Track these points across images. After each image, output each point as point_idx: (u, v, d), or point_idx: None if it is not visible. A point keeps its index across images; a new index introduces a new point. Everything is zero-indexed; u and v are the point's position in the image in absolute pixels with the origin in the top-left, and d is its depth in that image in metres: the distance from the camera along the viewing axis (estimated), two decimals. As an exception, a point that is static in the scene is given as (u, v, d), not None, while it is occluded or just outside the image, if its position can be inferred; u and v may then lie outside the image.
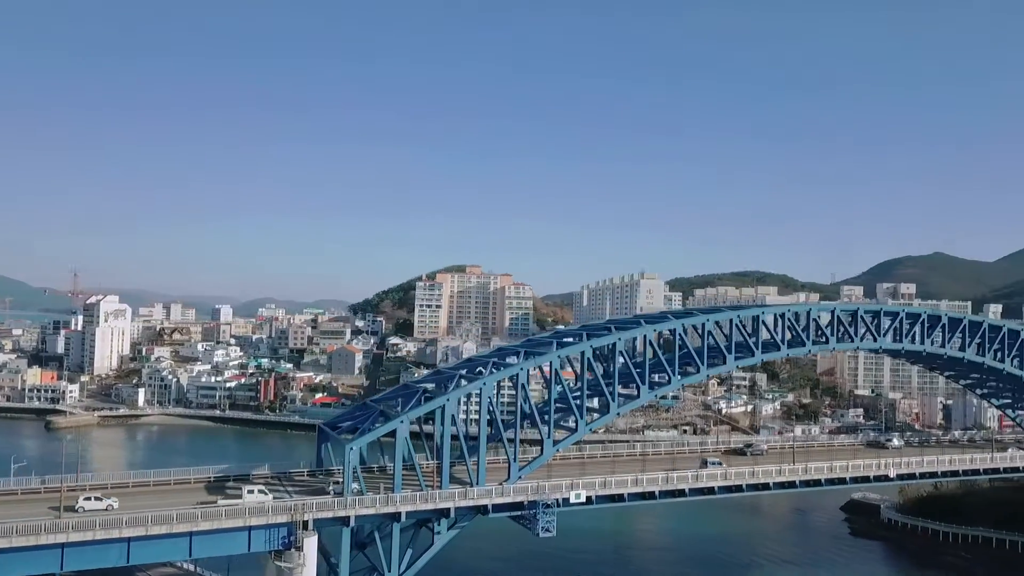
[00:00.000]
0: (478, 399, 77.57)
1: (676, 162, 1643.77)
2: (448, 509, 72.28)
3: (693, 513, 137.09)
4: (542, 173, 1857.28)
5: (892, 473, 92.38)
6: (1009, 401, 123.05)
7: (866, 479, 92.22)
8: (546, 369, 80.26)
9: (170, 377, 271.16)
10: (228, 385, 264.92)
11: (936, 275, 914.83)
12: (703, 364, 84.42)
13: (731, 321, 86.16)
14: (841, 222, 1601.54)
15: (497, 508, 74.18)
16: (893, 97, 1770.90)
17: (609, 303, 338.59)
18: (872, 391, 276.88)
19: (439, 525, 73.08)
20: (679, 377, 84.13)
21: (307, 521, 67.24)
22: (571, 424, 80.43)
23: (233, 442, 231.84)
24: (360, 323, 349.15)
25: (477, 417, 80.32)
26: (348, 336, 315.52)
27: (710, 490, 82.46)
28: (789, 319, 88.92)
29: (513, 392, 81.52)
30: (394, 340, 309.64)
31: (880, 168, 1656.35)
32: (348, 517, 68.63)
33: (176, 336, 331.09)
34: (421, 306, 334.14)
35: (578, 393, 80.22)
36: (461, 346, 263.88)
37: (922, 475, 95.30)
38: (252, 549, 66.89)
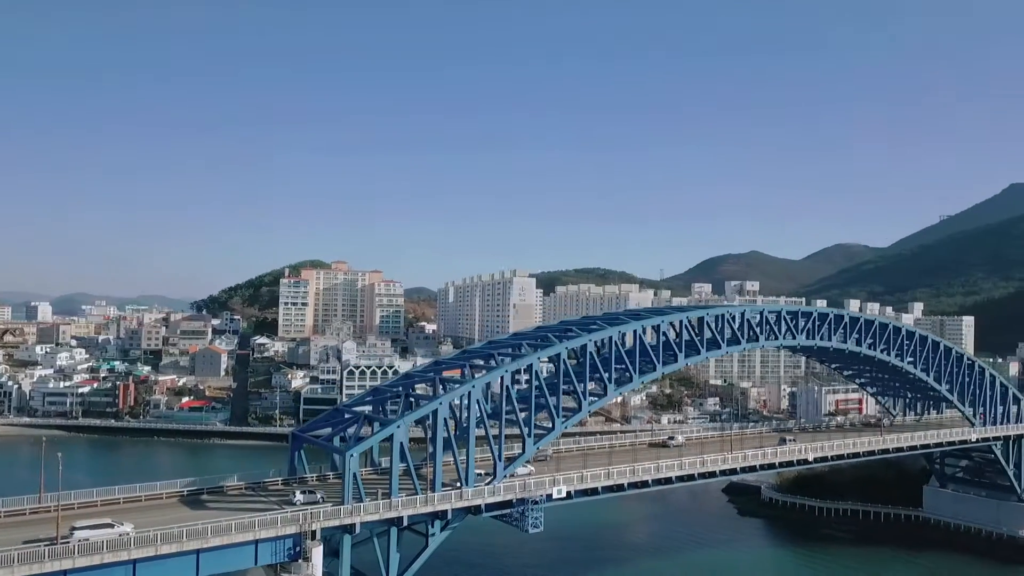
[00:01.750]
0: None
1: (515, 160, 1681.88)
2: (446, 511, 73.67)
3: (600, 503, 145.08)
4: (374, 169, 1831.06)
5: (809, 456, 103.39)
6: (879, 389, 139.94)
7: (805, 461, 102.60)
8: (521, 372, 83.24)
9: (9, 383, 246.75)
10: (80, 391, 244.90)
11: (754, 271, 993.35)
12: (659, 362, 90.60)
13: (680, 322, 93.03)
14: (668, 221, 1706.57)
15: (489, 507, 76.44)
16: (711, 108, 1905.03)
17: (479, 301, 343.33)
18: (724, 381, 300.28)
19: (433, 527, 74.24)
20: (638, 375, 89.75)
21: (315, 531, 66.49)
22: (547, 424, 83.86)
23: (88, 453, 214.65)
24: (215, 322, 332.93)
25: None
26: (210, 336, 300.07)
27: (668, 480, 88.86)
28: (728, 319, 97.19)
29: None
30: (261, 340, 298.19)
31: (698, 170, 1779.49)
32: (354, 524, 68.44)
33: (9, 338, 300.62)
34: (286, 303, 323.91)
35: (554, 392, 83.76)
36: (340, 345, 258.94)
37: (836, 457, 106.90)
38: (259, 563, 65.24)
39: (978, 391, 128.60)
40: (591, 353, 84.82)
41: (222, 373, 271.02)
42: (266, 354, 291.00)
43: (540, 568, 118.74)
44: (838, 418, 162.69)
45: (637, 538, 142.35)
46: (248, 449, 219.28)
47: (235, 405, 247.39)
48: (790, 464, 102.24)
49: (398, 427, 72.78)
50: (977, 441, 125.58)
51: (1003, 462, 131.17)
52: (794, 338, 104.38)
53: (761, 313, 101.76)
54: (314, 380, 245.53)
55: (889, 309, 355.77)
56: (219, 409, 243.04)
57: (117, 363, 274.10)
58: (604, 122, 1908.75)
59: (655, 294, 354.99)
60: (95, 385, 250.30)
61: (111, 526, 60.82)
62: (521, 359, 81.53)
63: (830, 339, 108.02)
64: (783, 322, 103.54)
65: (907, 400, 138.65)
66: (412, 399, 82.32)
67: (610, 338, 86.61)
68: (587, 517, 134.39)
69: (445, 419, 75.47)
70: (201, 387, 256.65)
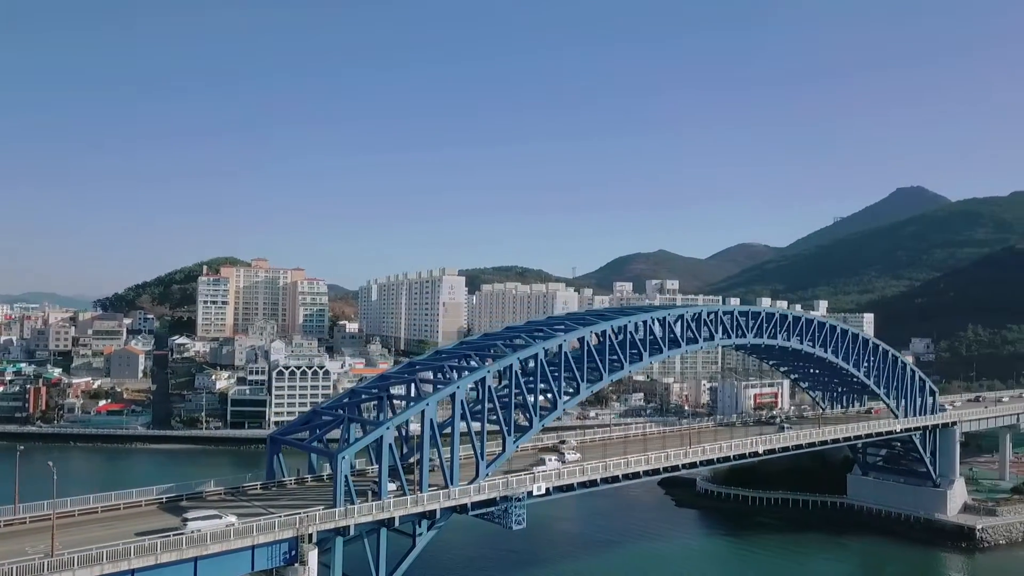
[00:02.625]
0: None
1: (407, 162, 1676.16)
2: (434, 510, 74.58)
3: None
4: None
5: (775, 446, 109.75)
6: (811, 384, 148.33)
7: (772, 451, 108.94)
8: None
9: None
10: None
11: (662, 270, 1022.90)
12: (626, 361, 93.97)
13: (645, 323, 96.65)
14: (575, 219, 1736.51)
15: (475, 506, 77.79)
16: (625, 105, 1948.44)
17: (406, 299, 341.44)
18: (647, 376, 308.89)
19: (420, 527, 75.03)
20: (608, 374, 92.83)
21: (311, 534, 66.32)
22: (524, 422, 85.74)
23: None
24: (127, 321, 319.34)
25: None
26: (125, 336, 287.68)
27: (636, 475, 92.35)
28: (687, 320, 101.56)
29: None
30: (180, 340, 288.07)
31: (599, 171, 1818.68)
32: (348, 527, 68.59)
33: None
34: (205, 302, 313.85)
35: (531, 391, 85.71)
36: (268, 345, 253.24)
37: (796, 447, 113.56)
38: (255, 568, 64.56)
39: (900, 385, 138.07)
40: (566, 353, 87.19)
41: (140, 375, 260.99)
42: (186, 355, 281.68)
43: (472, 567, 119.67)
44: (774, 411, 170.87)
45: (578, 532, 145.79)
46: (173, 454, 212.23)
47: (156, 408, 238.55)
48: (771, 452, 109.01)
49: (387, 428, 73.19)
50: (901, 432, 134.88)
51: (921, 451, 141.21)
52: (745, 336, 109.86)
53: (716, 313, 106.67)
54: (241, 381, 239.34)
55: (798, 306, 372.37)
56: (140, 412, 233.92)
57: (23, 365, 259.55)
58: (498, 116, 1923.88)
59: (578, 292, 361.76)
60: (1, 389, 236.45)
61: (219, 517, 64.66)
62: (502, 359, 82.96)
63: (776, 338, 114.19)
64: (736, 322, 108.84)
65: (835, 393, 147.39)
66: (390, 401, 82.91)
67: (582, 338, 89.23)
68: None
69: (432, 420, 76.30)
70: (119, 390, 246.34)
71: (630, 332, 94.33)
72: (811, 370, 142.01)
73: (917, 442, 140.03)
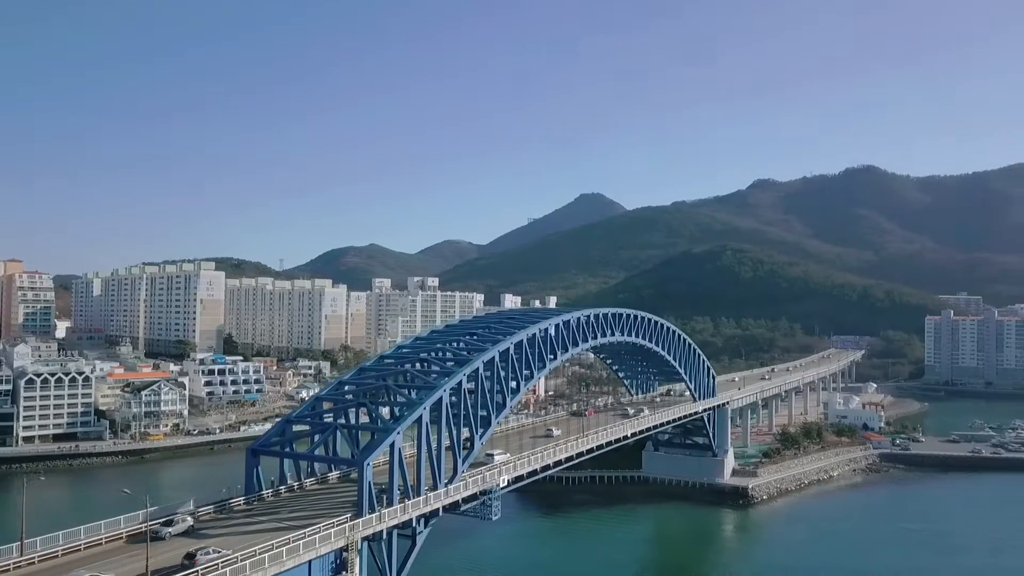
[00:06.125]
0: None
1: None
2: (437, 509, 78.04)
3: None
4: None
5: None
6: (627, 373, 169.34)
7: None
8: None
9: None
10: None
11: (375, 263, 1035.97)
12: (548, 359, 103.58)
13: (557, 326, 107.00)
14: (289, 213, 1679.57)
15: (465, 501, 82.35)
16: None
17: (147, 295, 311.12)
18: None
19: (420, 525, 77.96)
20: (537, 372, 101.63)
21: (357, 541, 66.95)
22: (483, 417, 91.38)
23: None
24: None
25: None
26: None
27: (567, 459, 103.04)
28: (583, 322, 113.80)
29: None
30: None
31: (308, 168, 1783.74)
32: (381, 531, 70.01)
33: None
34: None
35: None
36: (12, 349, 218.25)
37: (648, 428, 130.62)
38: (310, 581, 63.71)
39: (696, 370, 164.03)
40: (526, 349, 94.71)
41: None
42: None
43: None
44: (608, 399, 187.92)
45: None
46: None
47: None
48: (634, 435, 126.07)
49: (398, 434, 75.10)
50: (702, 412, 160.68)
51: (708, 427, 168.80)
52: (614, 335, 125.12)
53: (599, 316, 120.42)
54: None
55: (536, 302, 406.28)
56: None
57: None
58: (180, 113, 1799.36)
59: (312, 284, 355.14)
60: None
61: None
62: (471, 362, 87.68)
63: (630, 335, 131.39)
64: (609, 323, 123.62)
65: (645, 381, 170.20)
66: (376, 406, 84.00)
67: (535, 335, 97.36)
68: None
69: (427, 424, 79.37)
70: None
71: (550, 335, 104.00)
72: (630, 361, 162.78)
73: (706, 420, 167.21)
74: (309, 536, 63.16)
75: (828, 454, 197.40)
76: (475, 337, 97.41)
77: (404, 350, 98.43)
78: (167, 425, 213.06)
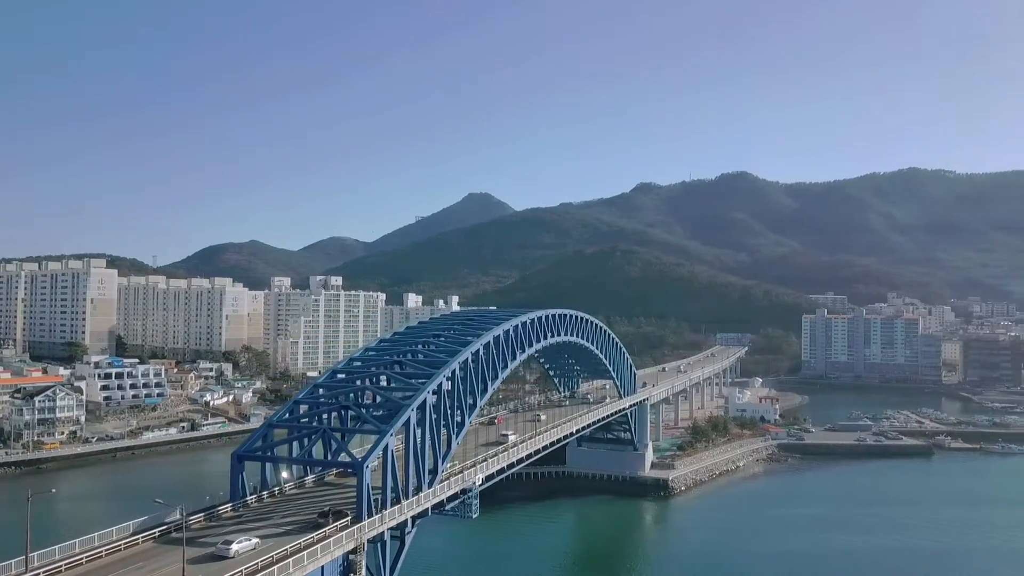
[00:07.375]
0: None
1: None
2: (426, 510, 78.91)
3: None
4: None
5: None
6: (557, 372, 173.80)
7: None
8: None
9: None
10: None
11: (257, 260, 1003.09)
12: (510, 359, 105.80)
13: (516, 327, 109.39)
14: (163, 208, 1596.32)
15: (449, 500, 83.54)
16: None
17: (27, 294, 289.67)
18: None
19: (410, 525, 78.61)
20: (501, 373, 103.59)
21: (364, 543, 67.13)
22: (458, 419, 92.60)
23: None
24: None
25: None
26: None
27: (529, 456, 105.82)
28: (538, 323, 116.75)
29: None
30: None
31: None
32: (382, 532, 70.38)
33: None
34: None
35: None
36: None
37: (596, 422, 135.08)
38: (320, 584, 63.36)
39: (620, 368, 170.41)
40: (492, 351, 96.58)
41: None
42: None
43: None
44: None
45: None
46: None
47: None
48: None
49: (391, 436, 75.49)
50: (629, 408, 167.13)
51: (629, 422, 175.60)
52: (559, 335, 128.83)
53: (548, 317, 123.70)
54: None
55: (441, 302, 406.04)
56: None
57: None
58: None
59: (212, 283, 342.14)
60: None
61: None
62: (448, 364, 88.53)
63: (571, 335, 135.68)
64: (556, 324, 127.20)
65: (572, 378, 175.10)
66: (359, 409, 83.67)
67: (499, 336, 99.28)
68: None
69: (414, 423, 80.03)
70: None
71: (511, 336, 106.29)
72: (560, 359, 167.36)
73: (630, 415, 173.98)
74: (319, 540, 63.07)
75: (733, 446, 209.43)
76: (443, 339, 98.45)
77: (371, 353, 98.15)
78: (63, 433, 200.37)
